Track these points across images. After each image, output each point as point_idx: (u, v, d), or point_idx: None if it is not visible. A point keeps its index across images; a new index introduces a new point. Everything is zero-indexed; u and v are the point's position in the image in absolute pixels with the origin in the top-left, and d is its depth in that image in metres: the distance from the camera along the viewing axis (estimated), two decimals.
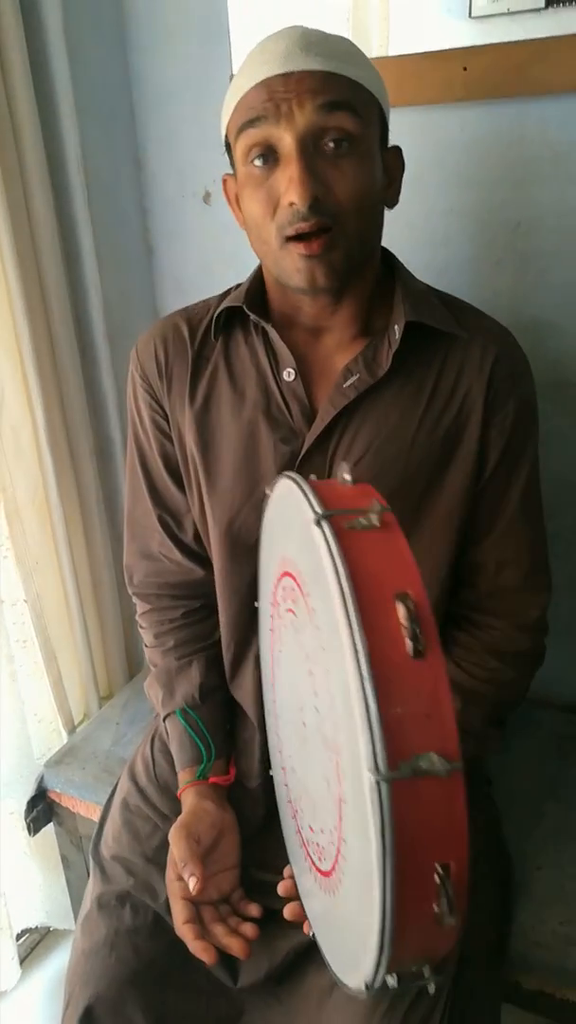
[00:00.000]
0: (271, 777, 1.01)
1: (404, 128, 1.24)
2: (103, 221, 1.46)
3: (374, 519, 0.62)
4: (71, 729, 1.57)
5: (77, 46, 1.33)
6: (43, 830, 1.47)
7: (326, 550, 0.60)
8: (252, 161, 0.89)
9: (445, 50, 1.21)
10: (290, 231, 0.87)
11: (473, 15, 1.18)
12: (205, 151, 1.46)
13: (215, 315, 1.03)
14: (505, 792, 1.26)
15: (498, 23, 1.17)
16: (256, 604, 0.96)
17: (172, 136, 1.49)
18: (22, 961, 1.60)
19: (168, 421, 1.08)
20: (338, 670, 0.58)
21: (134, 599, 1.21)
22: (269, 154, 0.88)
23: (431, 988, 0.60)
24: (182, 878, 0.95)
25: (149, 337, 1.08)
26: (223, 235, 1.49)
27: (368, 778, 0.53)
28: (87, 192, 1.39)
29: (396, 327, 0.96)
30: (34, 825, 1.44)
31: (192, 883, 0.92)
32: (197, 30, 1.39)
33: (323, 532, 0.61)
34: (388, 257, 1.04)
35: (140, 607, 1.20)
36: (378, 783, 0.52)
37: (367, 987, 0.60)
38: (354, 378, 0.97)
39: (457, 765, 0.54)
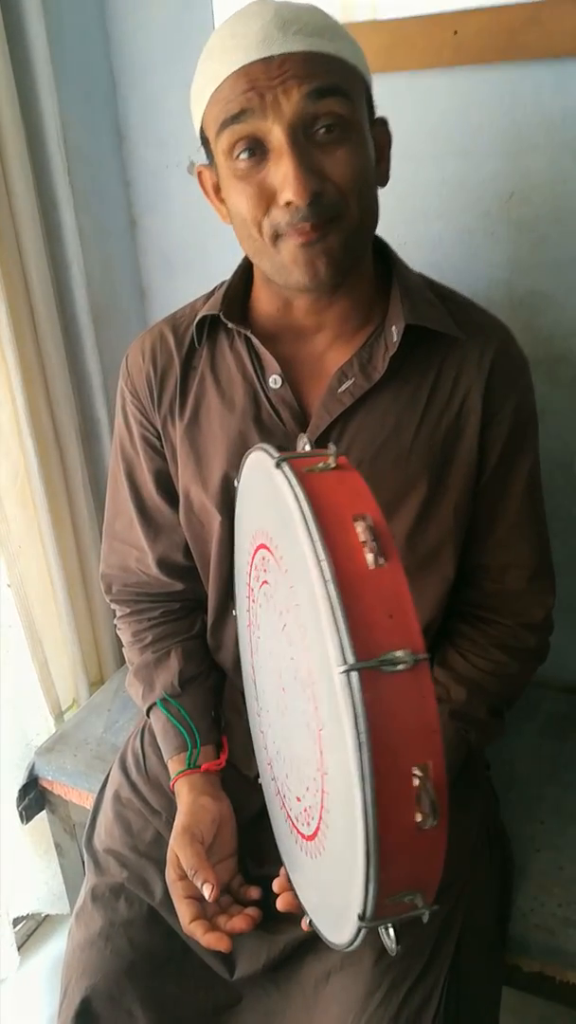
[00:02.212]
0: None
1: (393, 95, 1.22)
2: (84, 194, 1.43)
3: (331, 462, 0.68)
4: (59, 715, 1.56)
5: (55, 15, 1.30)
6: (36, 817, 1.46)
7: (287, 486, 0.66)
8: (238, 156, 0.84)
9: (435, 14, 1.18)
10: (287, 230, 0.83)
11: None
12: (187, 121, 1.40)
13: (196, 323, 1.00)
14: (504, 774, 1.26)
15: None
16: (234, 612, 0.99)
17: (153, 106, 1.45)
18: (19, 948, 1.60)
19: (160, 439, 1.06)
20: (307, 594, 0.63)
21: (112, 605, 1.21)
22: (257, 147, 0.83)
23: (424, 917, 0.61)
24: (184, 878, 0.95)
25: (138, 351, 1.05)
26: (208, 206, 1.45)
27: (338, 673, 0.56)
28: (67, 165, 1.36)
29: (394, 329, 0.93)
30: (26, 813, 1.43)
31: (207, 890, 0.91)
32: None
33: (283, 472, 0.67)
34: (381, 247, 1.01)
35: (119, 611, 1.19)
36: (347, 673, 0.56)
37: (360, 918, 0.60)
38: (349, 382, 0.94)
39: (422, 657, 0.58)
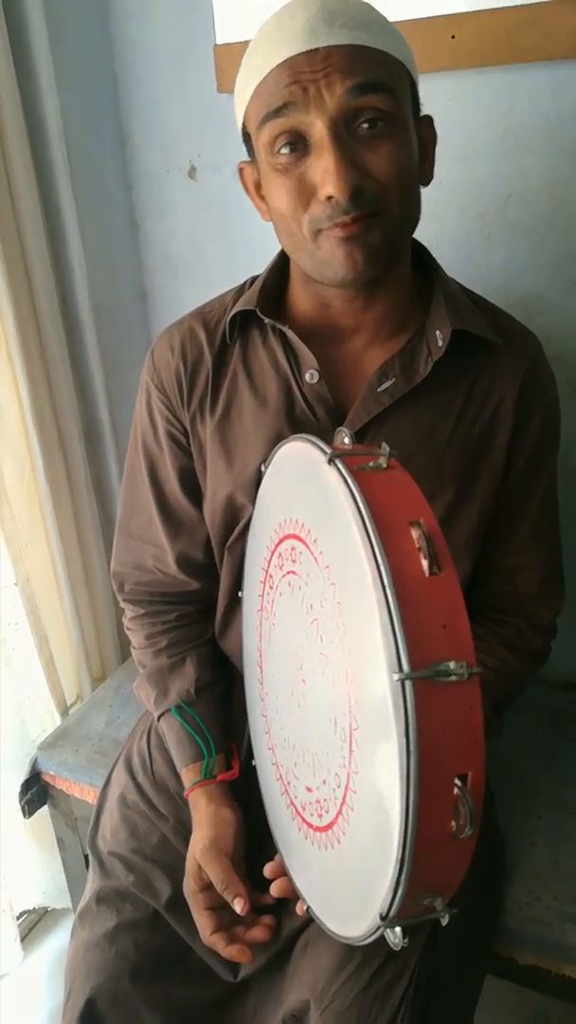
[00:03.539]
0: (252, 767, 1.03)
1: None
2: (87, 197, 1.44)
3: (383, 462, 0.67)
4: (64, 711, 1.57)
5: (57, 18, 1.30)
6: (38, 812, 1.47)
7: (341, 483, 0.64)
8: (279, 151, 0.82)
9: (433, 17, 1.19)
10: (327, 224, 0.82)
11: None
12: (189, 124, 1.44)
13: (228, 319, 0.98)
14: (500, 769, 1.27)
15: None
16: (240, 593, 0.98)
17: (155, 109, 1.46)
18: (21, 942, 1.61)
19: (187, 436, 1.04)
20: (356, 595, 0.62)
21: (123, 604, 1.18)
22: (298, 142, 0.81)
23: (444, 919, 0.61)
24: (205, 890, 0.95)
25: (167, 346, 1.03)
26: (210, 210, 1.46)
27: (392, 679, 0.56)
28: (69, 168, 1.37)
29: (439, 333, 0.92)
30: (29, 808, 1.44)
31: (239, 905, 0.92)
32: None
33: (337, 468, 0.66)
34: (419, 251, 1.00)
35: (130, 611, 1.17)
36: (402, 682, 0.55)
37: (382, 917, 0.61)
38: (389, 383, 0.93)
39: (475, 670, 0.57)
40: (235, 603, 1.07)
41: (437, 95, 1.22)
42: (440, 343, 0.92)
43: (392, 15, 1.19)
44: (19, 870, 1.56)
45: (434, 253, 1.18)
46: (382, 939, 0.87)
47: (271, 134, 0.82)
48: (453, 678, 0.57)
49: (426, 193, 1.27)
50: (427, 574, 0.60)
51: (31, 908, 1.65)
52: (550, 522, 1.05)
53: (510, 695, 1.06)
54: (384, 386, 0.93)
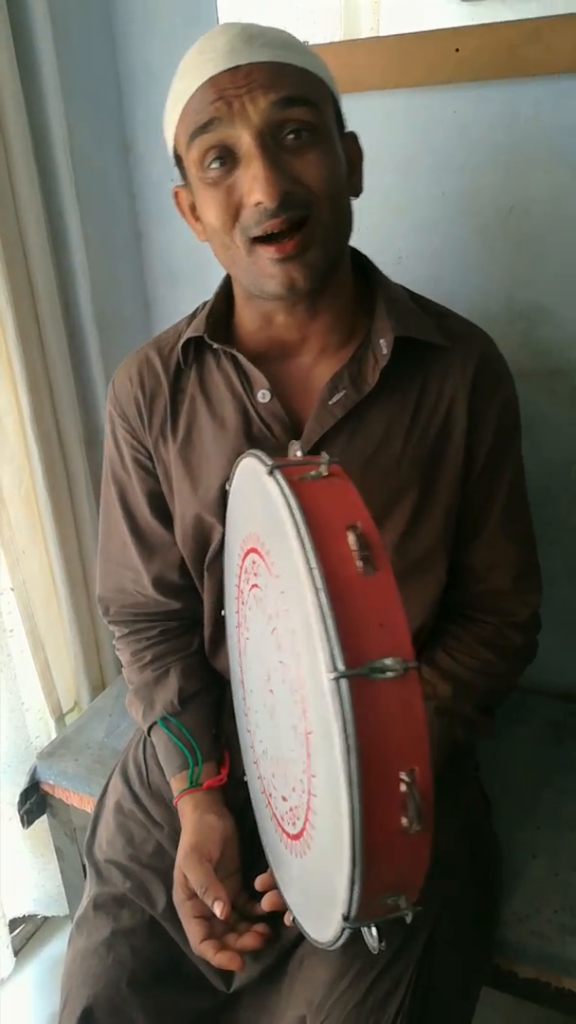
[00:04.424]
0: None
1: (395, 110, 1.25)
2: (91, 205, 1.44)
3: (323, 470, 0.69)
4: (59, 718, 1.56)
5: (62, 26, 1.31)
6: (36, 821, 1.46)
7: (279, 493, 0.66)
8: (208, 165, 0.85)
9: (436, 30, 1.19)
10: (257, 231, 0.84)
11: None
12: None
13: (180, 346, 1.01)
14: (500, 780, 1.26)
15: (490, 4, 1.15)
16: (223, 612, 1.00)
17: (160, 118, 1.44)
18: (18, 951, 1.61)
19: (152, 460, 1.06)
20: (297, 599, 0.63)
21: (111, 626, 1.21)
22: (227, 156, 0.84)
23: (408, 917, 0.62)
24: (193, 898, 0.95)
25: (125, 375, 1.06)
26: None
27: (328, 679, 0.57)
28: (73, 176, 1.37)
29: (383, 341, 0.94)
30: (28, 817, 1.43)
31: (218, 908, 0.91)
32: (183, 9, 1.36)
33: (275, 479, 0.68)
34: (359, 258, 1.02)
35: (117, 632, 1.19)
36: (337, 680, 0.57)
37: (344, 918, 0.61)
38: (340, 395, 0.95)
39: (411, 665, 0.58)
40: (221, 623, 1.08)
41: (441, 107, 1.24)
42: (385, 351, 0.93)
43: (395, 28, 1.22)
44: (15, 878, 1.55)
45: (436, 264, 1.19)
46: (376, 953, 0.88)
47: (200, 150, 0.85)
48: (390, 674, 0.58)
49: (428, 205, 1.29)
50: (362, 575, 0.61)
51: (26, 915, 1.64)
52: (519, 518, 1.05)
53: (496, 694, 1.05)
54: (335, 398, 0.95)
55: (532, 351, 1.26)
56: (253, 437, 0.99)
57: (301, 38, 1.24)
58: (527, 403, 1.03)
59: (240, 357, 0.97)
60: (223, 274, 1.03)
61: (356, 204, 0.94)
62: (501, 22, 1.15)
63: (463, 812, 1.07)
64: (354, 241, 0.93)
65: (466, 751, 1.14)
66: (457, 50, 1.19)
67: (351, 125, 0.88)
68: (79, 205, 1.39)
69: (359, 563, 0.61)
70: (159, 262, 1.60)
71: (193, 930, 0.93)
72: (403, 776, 0.58)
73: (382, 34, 1.23)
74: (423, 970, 0.90)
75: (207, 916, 0.94)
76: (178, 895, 0.96)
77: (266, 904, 0.92)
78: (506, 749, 1.34)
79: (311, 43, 1.25)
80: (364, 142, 0.93)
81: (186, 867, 0.96)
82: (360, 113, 1.24)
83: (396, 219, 1.20)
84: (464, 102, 1.23)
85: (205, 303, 1.04)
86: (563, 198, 1.23)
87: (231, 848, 1.01)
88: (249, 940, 0.92)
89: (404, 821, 0.58)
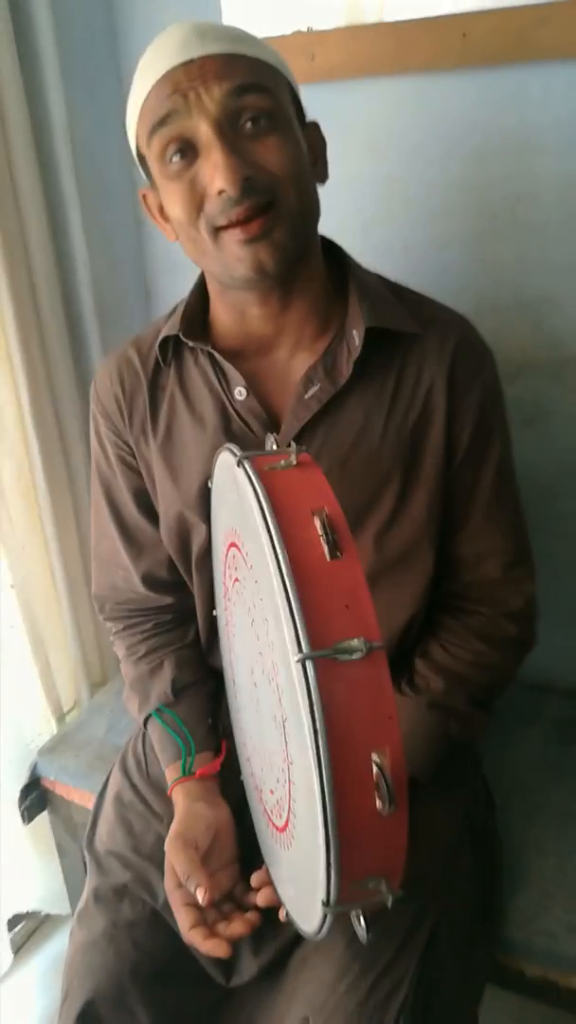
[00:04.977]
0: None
1: (402, 97, 1.23)
2: (91, 194, 1.43)
3: (292, 460, 0.70)
4: (60, 716, 1.56)
5: (63, 14, 1.30)
6: (37, 818, 1.46)
7: (246, 482, 0.68)
8: (170, 159, 0.85)
9: (443, 16, 1.17)
10: (222, 220, 0.84)
11: None
12: None
13: (158, 344, 1.01)
14: (507, 779, 1.25)
15: None
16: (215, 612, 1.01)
17: None
18: (19, 948, 1.60)
19: (135, 457, 1.07)
20: (267, 587, 0.64)
21: (106, 624, 1.22)
22: (187, 148, 0.84)
23: (388, 902, 0.62)
24: (182, 885, 0.94)
25: (105, 373, 1.07)
26: None
27: (294, 662, 0.58)
28: (74, 164, 1.36)
29: (355, 332, 0.94)
30: (28, 813, 1.43)
31: (200, 895, 0.91)
32: None
33: (244, 470, 0.69)
34: (332, 248, 1.01)
35: (113, 628, 1.20)
36: (302, 662, 0.57)
37: (324, 903, 0.61)
38: (315, 388, 0.95)
39: (377, 645, 0.59)
40: (214, 622, 1.08)
41: (448, 94, 1.23)
42: (357, 342, 0.93)
43: (403, 14, 1.20)
44: (16, 875, 1.54)
45: (444, 252, 1.17)
46: (377, 953, 0.87)
47: (160, 145, 0.85)
48: (356, 655, 0.58)
49: (436, 192, 1.28)
50: (328, 558, 0.62)
51: (28, 912, 1.63)
52: (507, 507, 1.04)
53: (491, 687, 1.04)
54: (311, 392, 0.95)
55: (542, 341, 1.24)
56: (232, 434, 0.99)
57: (305, 24, 1.23)
58: (537, 394, 1.01)
59: (216, 355, 0.98)
60: (179, 304, 1.03)
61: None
62: (509, 7, 1.13)
63: (464, 809, 1.07)
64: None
65: (465, 748, 1.13)
66: (464, 35, 1.17)
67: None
68: (79, 193, 1.39)
69: (324, 547, 0.62)
70: (160, 252, 1.58)
71: (183, 917, 0.93)
72: (374, 758, 0.58)
73: (387, 19, 1.21)
74: (425, 969, 0.90)
75: (197, 904, 0.94)
76: (168, 883, 0.96)
77: (260, 900, 0.92)
78: (514, 747, 1.33)
79: (315, 29, 1.24)
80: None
81: (171, 854, 0.96)
82: (366, 99, 1.23)
83: (402, 208, 1.18)
84: (472, 88, 1.21)
85: (183, 300, 1.04)
86: (573, 185, 1.21)
87: (225, 838, 1.00)
88: (237, 927, 0.92)
89: (378, 803, 0.58)
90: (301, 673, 0.57)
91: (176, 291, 1.57)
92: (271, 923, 0.93)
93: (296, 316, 0.96)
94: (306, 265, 0.93)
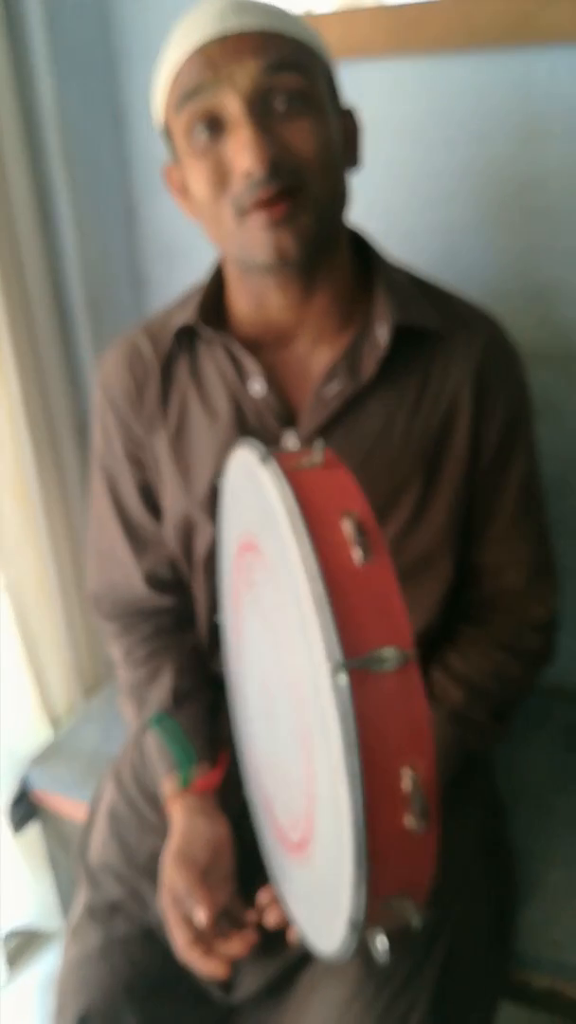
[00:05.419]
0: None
1: (405, 80, 1.21)
2: (82, 181, 1.40)
3: (317, 458, 0.67)
4: (54, 722, 1.54)
5: None
6: (28, 830, 1.44)
7: (272, 482, 0.65)
8: (196, 135, 0.82)
9: None
10: (248, 201, 0.81)
11: None
12: None
13: (173, 334, 0.98)
14: (515, 785, 1.24)
15: None
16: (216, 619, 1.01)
17: (152, 89, 1.41)
18: (12, 962, 1.57)
19: (144, 450, 1.04)
20: (293, 592, 0.62)
21: (102, 623, 1.18)
22: (215, 124, 0.82)
23: (416, 923, 0.60)
24: (179, 902, 0.92)
25: (114, 361, 1.03)
26: None
27: (326, 671, 0.56)
28: (64, 149, 1.33)
29: (382, 330, 0.91)
30: (18, 824, 1.41)
31: (200, 915, 0.89)
32: None
33: (268, 468, 0.66)
34: (359, 240, 0.99)
35: (110, 629, 1.16)
36: (335, 672, 0.55)
37: (350, 923, 0.60)
38: (337, 385, 0.92)
39: (411, 655, 0.57)
40: (216, 628, 1.06)
41: (452, 76, 1.20)
42: (383, 340, 0.90)
43: None
44: (7, 889, 1.51)
45: (448, 239, 1.14)
46: (392, 970, 0.86)
47: (187, 119, 0.83)
48: (389, 665, 0.57)
49: (441, 177, 1.25)
50: (359, 563, 0.60)
51: (20, 927, 1.60)
52: (533, 515, 1.02)
53: (511, 700, 1.02)
54: (332, 390, 0.92)
55: (550, 332, 1.21)
56: (247, 429, 0.96)
57: (306, 4, 1.20)
58: (545, 388, 0.99)
59: (234, 344, 0.94)
60: (191, 291, 0.99)
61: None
62: None
63: (479, 821, 1.05)
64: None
65: (480, 758, 1.12)
66: (468, 16, 1.14)
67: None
68: (70, 182, 1.36)
69: (356, 551, 0.60)
70: (153, 240, 1.55)
71: (179, 935, 0.91)
72: (406, 772, 0.56)
73: (390, 1, 1.18)
74: (441, 988, 0.88)
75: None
76: (165, 899, 0.94)
77: (269, 920, 0.90)
78: (522, 753, 1.32)
79: (315, 11, 1.21)
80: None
81: (170, 872, 0.94)
82: (368, 81, 1.21)
83: (407, 193, 1.15)
84: (478, 70, 1.18)
85: (197, 287, 1.00)
86: None
87: (224, 854, 0.98)
88: (236, 946, 0.90)
89: (409, 819, 0.56)
90: (333, 683, 0.56)
91: (169, 280, 1.56)
92: (271, 938, 0.91)
93: (318, 307, 0.93)
94: (331, 254, 0.90)
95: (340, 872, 0.59)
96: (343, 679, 0.55)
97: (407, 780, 0.56)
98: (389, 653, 0.57)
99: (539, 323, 1.10)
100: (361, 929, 0.60)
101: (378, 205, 1.20)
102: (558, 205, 1.21)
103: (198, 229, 1.45)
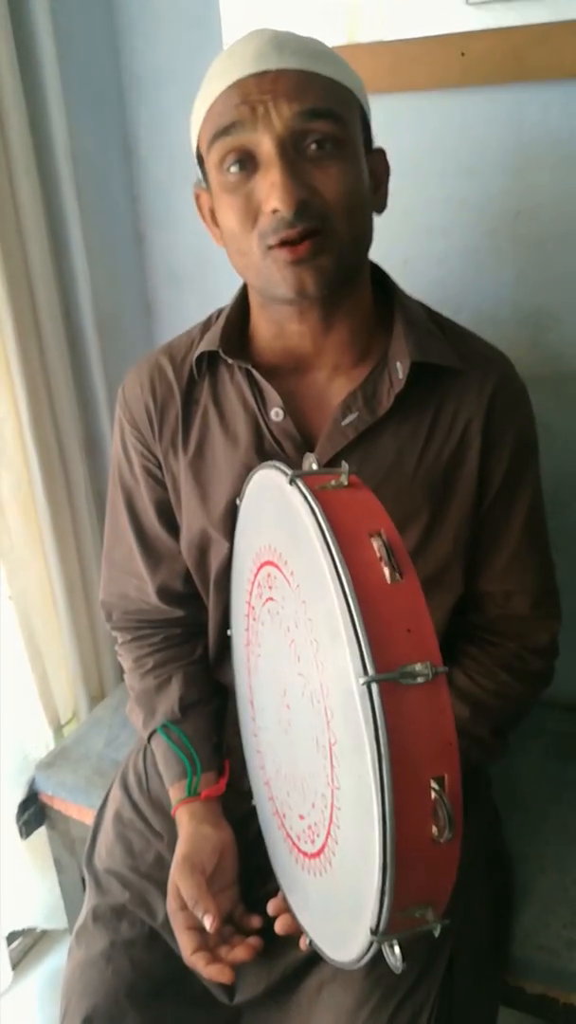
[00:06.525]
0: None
1: (401, 114, 1.24)
2: (92, 208, 1.43)
3: (343, 480, 0.69)
4: (57, 729, 1.55)
5: (64, 30, 1.30)
6: (35, 832, 1.45)
7: (302, 501, 0.67)
8: (227, 169, 0.84)
9: (443, 35, 1.18)
10: (273, 239, 0.83)
11: (471, 1, 1.15)
12: None
13: (194, 358, 1.00)
14: (507, 794, 1.25)
15: (496, 9, 1.14)
16: (229, 632, 1.01)
17: (163, 120, 1.46)
18: (16, 964, 1.59)
19: (162, 468, 1.05)
20: (323, 607, 0.64)
21: (113, 632, 1.20)
22: (247, 160, 0.83)
23: (436, 931, 0.61)
24: (185, 908, 0.94)
25: (135, 381, 1.04)
26: None
27: (358, 685, 0.57)
28: (75, 178, 1.36)
29: (399, 365, 0.92)
30: (26, 828, 1.42)
31: (208, 921, 0.90)
32: (187, 11, 1.35)
33: (298, 487, 0.68)
34: (379, 274, 1.01)
35: (120, 638, 1.18)
36: (368, 685, 0.57)
37: (372, 932, 0.60)
38: (353, 416, 0.94)
39: (441, 670, 0.59)
40: (226, 640, 1.07)
41: (446, 112, 1.24)
42: (400, 375, 0.92)
43: (402, 33, 1.21)
44: (13, 890, 1.53)
45: (443, 269, 1.18)
46: (398, 978, 0.86)
47: (220, 153, 0.84)
48: (419, 679, 0.58)
49: (435, 208, 1.28)
50: (389, 581, 0.61)
51: (24, 929, 1.62)
52: (537, 545, 1.04)
53: (512, 718, 1.05)
54: (348, 420, 0.94)
55: (541, 356, 1.24)
56: (265, 453, 0.97)
57: None
58: (537, 409, 1.01)
59: (255, 373, 0.96)
60: (225, 277, 1.01)
61: None
62: (507, 27, 1.14)
63: (478, 831, 1.06)
64: None
65: (478, 769, 1.13)
66: (463, 54, 1.18)
67: None
68: (80, 209, 1.39)
69: (385, 569, 0.62)
70: (161, 266, 1.59)
71: (185, 941, 0.92)
72: (433, 784, 0.58)
73: (388, 38, 1.22)
74: (445, 994, 0.89)
75: (199, 927, 0.93)
76: (171, 905, 0.95)
77: (279, 928, 0.90)
78: (514, 762, 1.33)
79: None
80: None
81: (178, 878, 0.95)
82: None
83: (402, 223, 1.19)
84: (471, 106, 1.22)
85: (219, 311, 1.02)
86: (571, 202, 1.22)
87: (227, 860, 1.00)
88: (240, 952, 0.91)
89: (434, 829, 0.58)
90: (366, 696, 0.57)
91: (177, 306, 1.60)
92: (274, 940, 0.92)
93: (337, 339, 0.95)
94: (352, 290, 0.92)
95: (364, 881, 0.60)
96: (375, 692, 0.57)
97: (434, 791, 0.58)
98: (420, 668, 0.58)
99: (530, 348, 1.13)
100: (382, 938, 0.61)
101: (376, 234, 1.22)
102: (548, 236, 1.24)
103: (204, 256, 1.50)
